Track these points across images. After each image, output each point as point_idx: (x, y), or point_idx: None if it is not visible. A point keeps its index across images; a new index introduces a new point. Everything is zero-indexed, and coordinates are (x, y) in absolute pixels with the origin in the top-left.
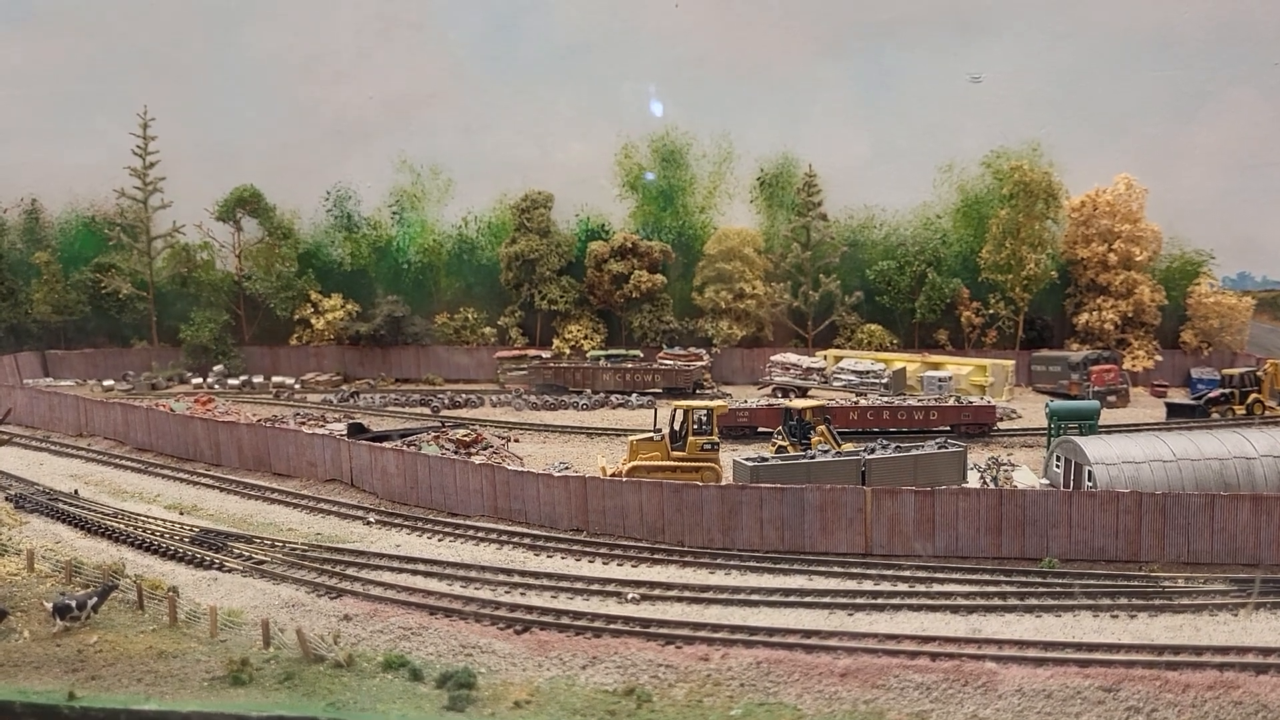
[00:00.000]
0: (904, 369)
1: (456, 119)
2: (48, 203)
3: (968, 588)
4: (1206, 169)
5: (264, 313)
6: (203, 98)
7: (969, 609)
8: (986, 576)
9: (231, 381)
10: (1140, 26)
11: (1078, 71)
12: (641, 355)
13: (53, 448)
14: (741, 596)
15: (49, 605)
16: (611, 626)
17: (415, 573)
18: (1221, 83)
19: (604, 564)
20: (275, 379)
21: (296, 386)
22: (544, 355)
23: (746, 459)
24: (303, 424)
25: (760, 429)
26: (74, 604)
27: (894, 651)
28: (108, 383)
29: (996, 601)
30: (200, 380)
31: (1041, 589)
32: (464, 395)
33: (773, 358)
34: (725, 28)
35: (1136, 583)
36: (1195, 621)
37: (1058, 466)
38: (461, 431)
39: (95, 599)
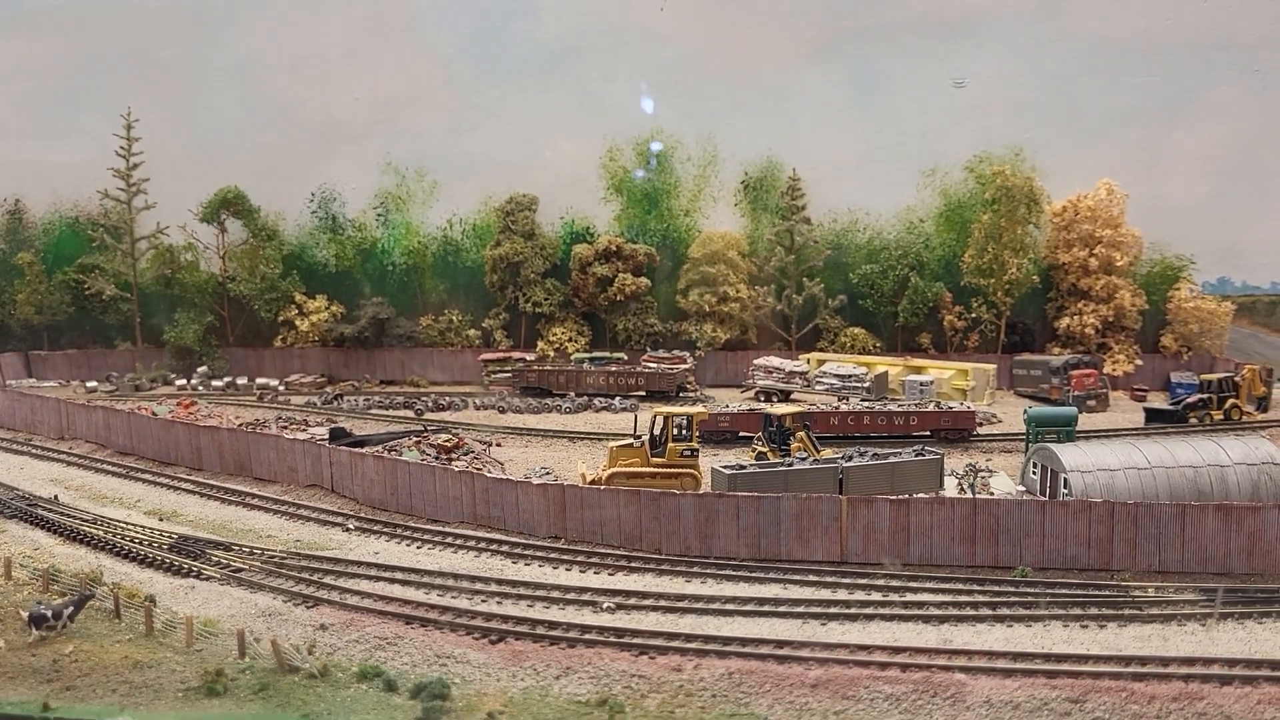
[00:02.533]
0: (886, 373)
1: (442, 121)
2: (31, 203)
3: (940, 597)
4: (1187, 175)
5: (248, 314)
6: (187, 98)
7: (940, 619)
8: (959, 586)
9: (215, 383)
10: (1122, 34)
11: (1060, 78)
12: (625, 358)
13: (34, 451)
14: (716, 606)
15: (25, 614)
16: (586, 636)
17: (393, 581)
18: (1202, 89)
19: (581, 572)
20: (259, 381)
21: (281, 388)
22: (528, 358)
23: (725, 466)
24: (284, 428)
25: (741, 434)
26: (50, 613)
27: (865, 662)
28: (91, 384)
29: (968, 611)
30: (184, 382)
31: (1014, 598)
32: (448, 398)
33: (756, 361)
34: (710, 32)
35: (1107, 592)
36: (1163, 631)
37: (1034, 473)
38: (443, 437)
39: (71, 608)
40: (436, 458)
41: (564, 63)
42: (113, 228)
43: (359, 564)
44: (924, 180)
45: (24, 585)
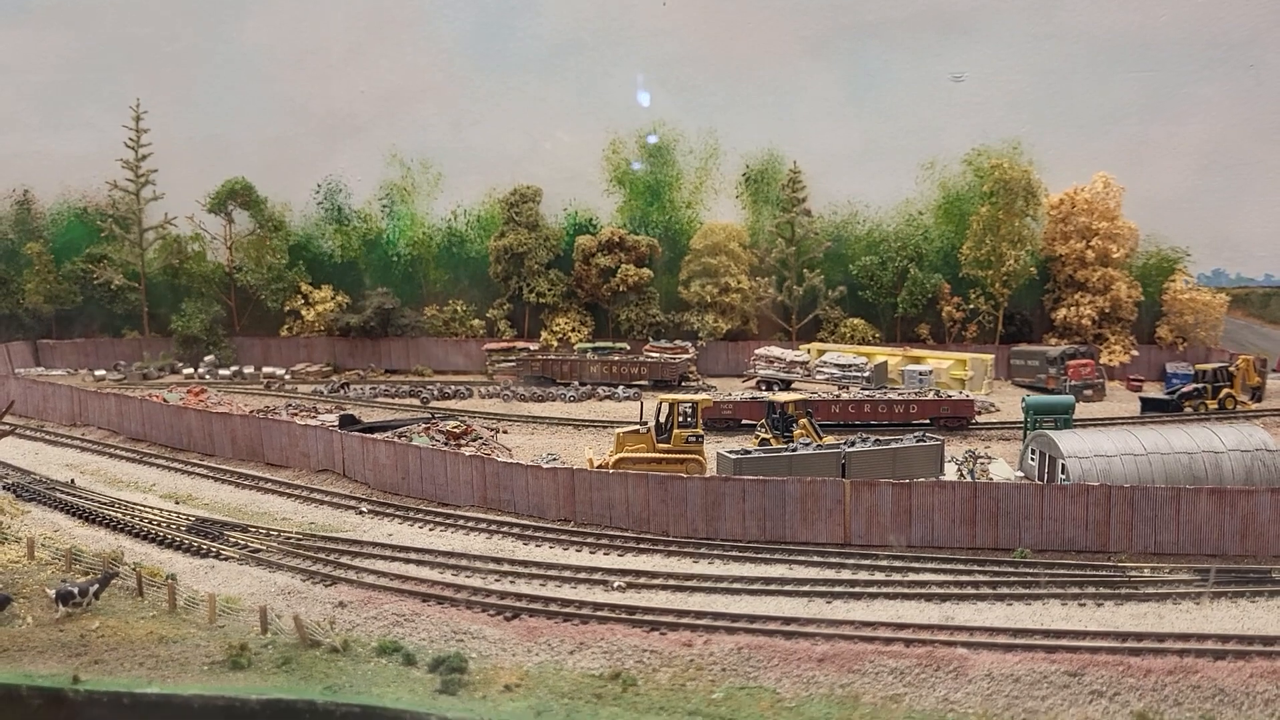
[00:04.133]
0: (885, 363)
1: (447, 114)
2: (40, 193)
3: (942, 577)
4: (1182, 168)
5: (255, 304)
6: (195, 90)
7: (942, 597)
8: (960, 566)
9: (222, 372)
10: (1118, 29)
11: (1057, 72)
12: (628, 348)
13: (48, 437)
14: (724, 585)
15: (51, 592)
16: (598, 613)
17: (407, 561)
18: (1197, 84)
19: (591, 553)
20: (266, 370)
21: (287, 377)
22: (532, 347)
23: (730, 451)
24: (295, 415)
25: (744, 421)
26: (76, 591)
27: (870, 638)
28: (99, 372)
29: (969, 590)
30: (191, 370)
31: (1013, 578)
32: (453, 387)
33: (757, 351)
34: (712, 27)
35: (1104, 572)
36: (1159, 609)
37: (1032, 459)
38: (451, 423)
39: (97, 586)
40: (445, 444)
41: (566, 57)
42: (121, 218)
43: (374, 545)
44: (923, 173)
45: (47, 564)
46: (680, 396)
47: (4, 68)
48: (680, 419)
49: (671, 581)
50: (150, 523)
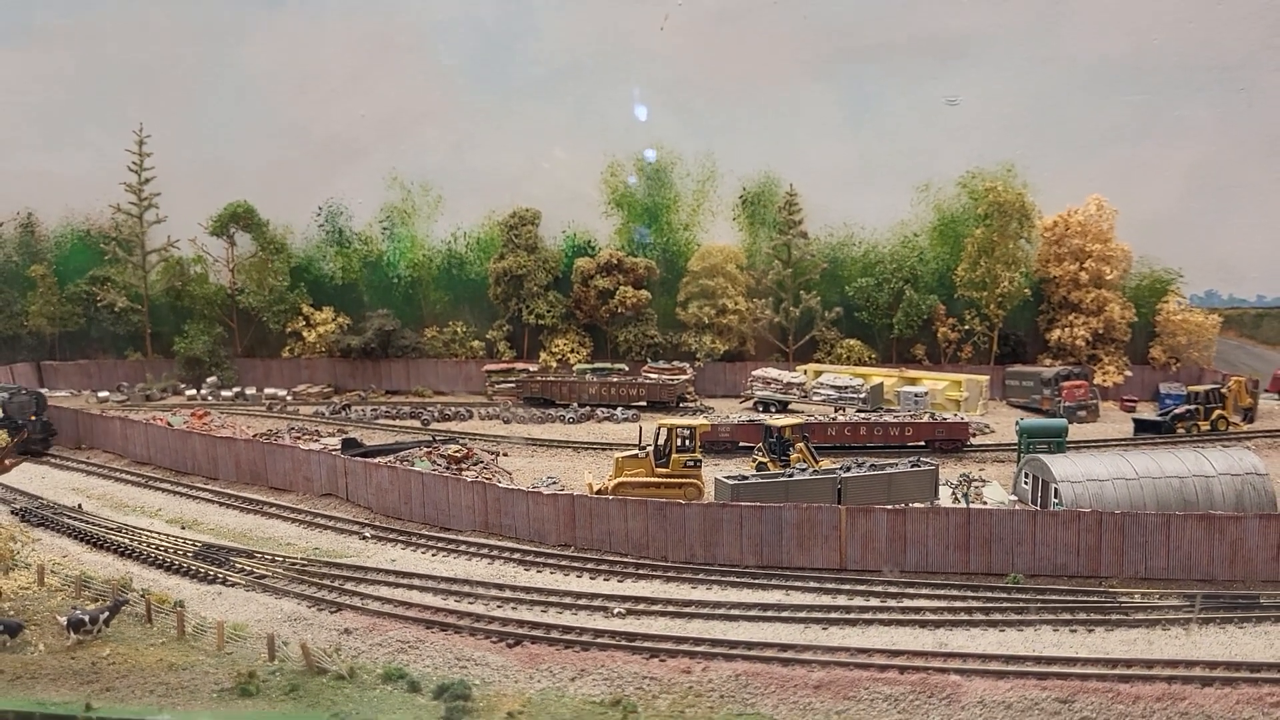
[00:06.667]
0: (881, 384)
1: (447, 137)
2: (43, 216)
3: (936, 603)
4: (1175, 190)
5: (257, 325)
6: (197, 114)
7: (936, 624)
8: (954, 592)
9: (225, 393)
10: (1111, 53)
11: (1051, 96)
12: (626, 369)
13: (53, 460)
14: (722, 611)
15: (62, 619)
16: (599, 640)
17: (411, 587)
18: (1190, 107)
19: (591, 578)
20: (268, 391)
21: (288, 398)
22: (531, 369)
23: (728, 477)
24: (298, 438)
25: (741, 444)
26: (87, 618)
27: (865, 665)
28: (102, 394)
29: (963, 616)
30: (194, 392)
31: (1006, 604)
32: (453, 408)
33: (754, 372)
34: (710, 50)
35: (1095, 598)
36: (1148, 636)
37: (1026, 483)
38: (453, 447)
39: (107, 613)
40: (447, 468)
41: (565, 81)
42: (124, 241)
43: (378, 570)
44: (918, 195)
45: (57, 591)
46: (678, 421)
47: (7, 89)
48: (679, 443)
49: (670, 608)
50: (157, 548)
